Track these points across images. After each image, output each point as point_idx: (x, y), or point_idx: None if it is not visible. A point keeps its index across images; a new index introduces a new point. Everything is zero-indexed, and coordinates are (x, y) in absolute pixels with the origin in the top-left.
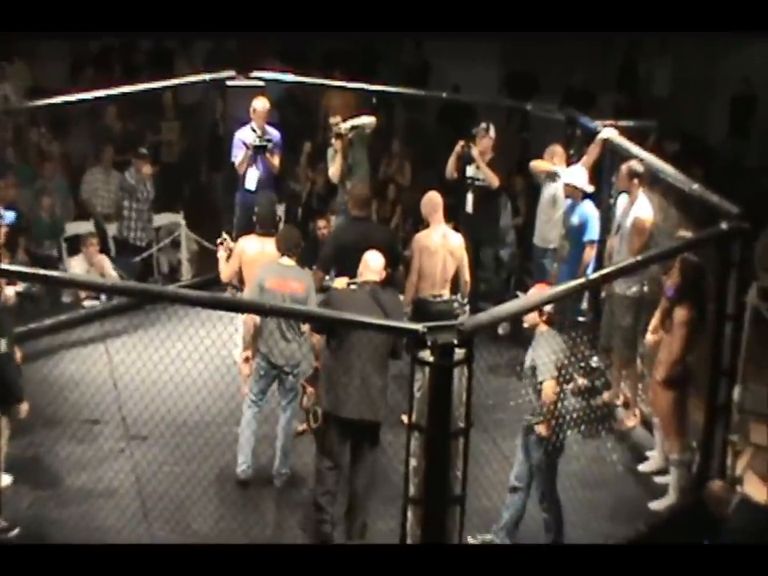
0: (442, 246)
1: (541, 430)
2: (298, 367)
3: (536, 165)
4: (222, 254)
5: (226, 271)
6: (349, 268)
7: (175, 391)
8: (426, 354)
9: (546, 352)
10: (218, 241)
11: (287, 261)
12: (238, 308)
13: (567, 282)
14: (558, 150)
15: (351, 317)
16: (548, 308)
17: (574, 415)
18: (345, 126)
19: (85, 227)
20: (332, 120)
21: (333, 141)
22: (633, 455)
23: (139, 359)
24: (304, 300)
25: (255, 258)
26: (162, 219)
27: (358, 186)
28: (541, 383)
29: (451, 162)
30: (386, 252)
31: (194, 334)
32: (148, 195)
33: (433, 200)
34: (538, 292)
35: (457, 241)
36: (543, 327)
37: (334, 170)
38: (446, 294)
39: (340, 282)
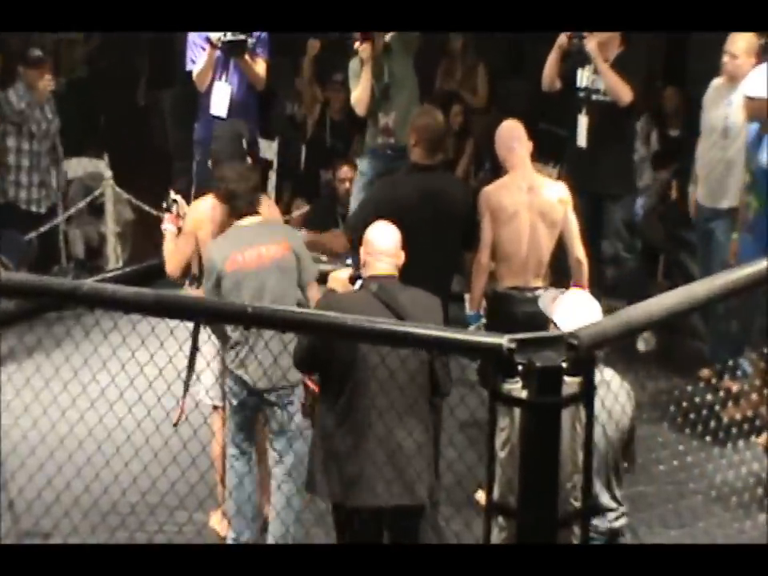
0: (527, 204)
1: None
2: (292, 395)
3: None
4: (169, 228)
5: (174, 258)
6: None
7: (97, 455)
8: (516, 387)
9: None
10: (164, 205)
11: (251, 219)
12: (200, 314)
13: (754, 262)
14: (744, 39)
15: (396, 326)
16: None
17: None
18: None
19: None
20: None
21: (357, 45)
22: None
23: (37, 402)
24: (294, 267)
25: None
26: (73, 169)
27: (428, 111)
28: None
29: (551, 65)
30: (462, 225)
31: (129, 360)
32: (48, 128)
33: (511, 130)
34: (579, 295)
35: (555, 194)
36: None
37: (359, 93)
38: (540, 284)
39: (337, 279)
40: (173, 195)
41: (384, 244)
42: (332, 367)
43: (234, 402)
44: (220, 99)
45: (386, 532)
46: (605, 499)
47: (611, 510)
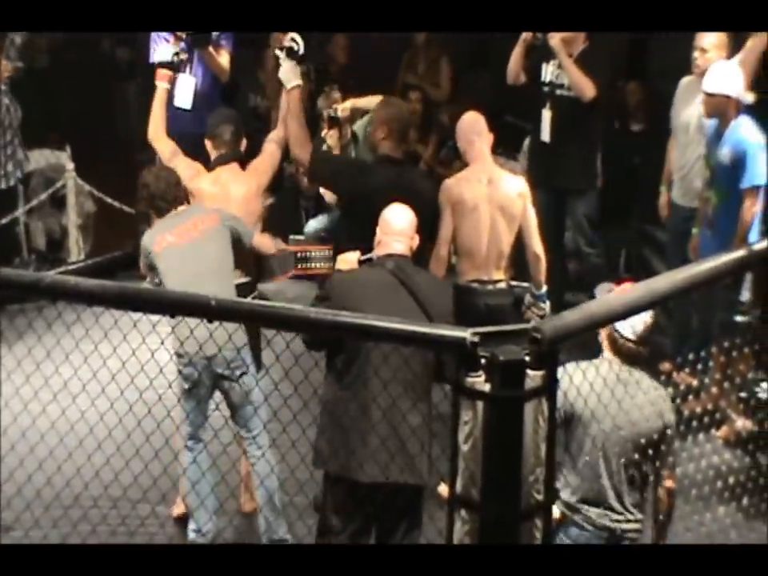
0: (487, 197)
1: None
2: (244, 366)
3: None
4: (161, 85)
5: (158, 125)
6: (365, 240)
7: (60, 448)
8: (479, 380)
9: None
10: (159, 56)
11: (181, 207)
12: (164, 307)
13: (713, 256)
14: (714, 33)
15: (359, 319)
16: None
17: (731, 480)
18: (344, 106)
19: None
20: (324, 97)
21: (324, 130)
22: None
23: None
24: (227, 235)
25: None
26: (35, 160)
27: (391, 101)
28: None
29: (515, 59)
30: (431, 218)
31: (92, 353)
32: (7, 117)
33: (472, 123)
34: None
35: (514, 188)
36: (607, 353)
37: None
38: (500, 277)
39: (346, 260)
40: (175, 48)
41: (400, 225)
42: (339, 344)
43: (188, 386)
44: (184, 91)
45: (382, 511)
46: (612, 500)
47: (616, 511)
